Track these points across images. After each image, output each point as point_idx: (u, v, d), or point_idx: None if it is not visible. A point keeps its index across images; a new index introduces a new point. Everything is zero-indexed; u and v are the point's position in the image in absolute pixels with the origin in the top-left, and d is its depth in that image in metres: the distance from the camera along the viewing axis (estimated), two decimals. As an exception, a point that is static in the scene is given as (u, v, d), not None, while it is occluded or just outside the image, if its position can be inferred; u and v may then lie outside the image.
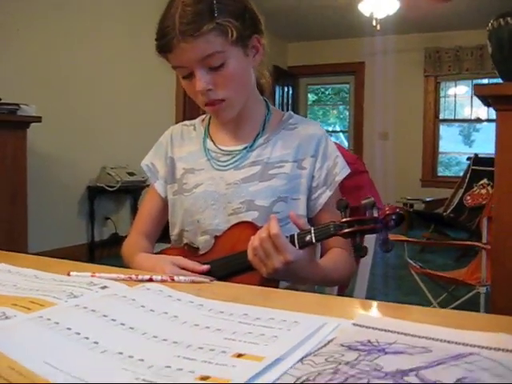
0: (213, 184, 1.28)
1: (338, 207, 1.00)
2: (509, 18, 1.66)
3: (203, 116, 1.45)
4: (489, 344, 0.56)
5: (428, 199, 6.88)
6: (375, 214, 0.96)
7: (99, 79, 5.10)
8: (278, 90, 8.35)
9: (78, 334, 0.61)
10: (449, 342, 0.58)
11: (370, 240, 1.35)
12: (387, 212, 0.95)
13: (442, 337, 0.59)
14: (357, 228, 0.98)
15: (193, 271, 1.09)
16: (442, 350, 0.56)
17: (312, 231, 1.03)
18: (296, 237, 1.05)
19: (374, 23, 5.90)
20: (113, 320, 0.66)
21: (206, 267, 1.10)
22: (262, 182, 1.25)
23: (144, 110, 5.62)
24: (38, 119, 3.57)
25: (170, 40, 1.14)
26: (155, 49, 1.20)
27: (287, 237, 1.04)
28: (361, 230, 0.98)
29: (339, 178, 1.29)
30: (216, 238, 1.21)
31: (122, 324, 0.65)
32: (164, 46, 1.17)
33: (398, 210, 0.96)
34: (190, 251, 1.26)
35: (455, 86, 8.08)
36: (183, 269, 1.09)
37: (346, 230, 0.99)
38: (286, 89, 8.71)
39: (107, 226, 5.32)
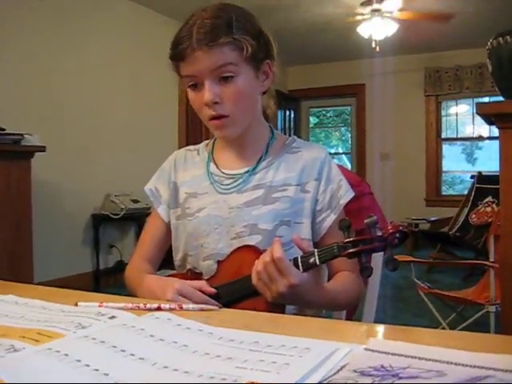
0: (216, 208, 1.28)
1: (340, 227, 1.00)
2: (508, 37, 1.67)
3: (207, 141, 1.45)
4: (504, 366, 0.55)
5: (433, 219, 6.85)
6: (379, 233, 0.96)
7: (102, 107, 5.15)
8: (279, 113, 8.39)
9: (88, 365, 0.60)
10: (463, 365, 0.58)
11: (377, 262, 1.35)
12: (391, 230, 0.95)
13: (456, 360, 0.59)
14: (361, 248, 0.97)
15: (201, 290, 1.07)
16: (457, 374, 0.55)
17: (315, 253, 1.02)
18: (300, 259, 1.04)
19: (374, 45, 5.95)
20: (122, 351, 0.65)
21: (214, 290, 1.09)
22: (266, 205, 1.24)
23: (147, 137, 5.64)
24: (42, 149, 3.58)
25: (185, 48, 1.16)
26: (168, 57, 1.22)
27: (291, 260, 1.03)
28: (365, 250, 0.98)
29: (343, 202, 1.28)
30: (219, 262, 1.20)
31: (132, 355, 0.64)
32: (178, 54, 1.18)
33: (401, 228, 0.95)
34: (194, 277, 1.26)
35: (456, 104, 8.11)
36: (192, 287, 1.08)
37: (351, 250, 0.98)
38: (287, 112, 8.76)
39: (112, 254, 5.31)
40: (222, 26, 1.15)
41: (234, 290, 1.10)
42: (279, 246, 1.02)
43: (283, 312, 1.08)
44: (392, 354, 0.62)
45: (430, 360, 0.60)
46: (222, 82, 1.18)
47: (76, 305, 0.91)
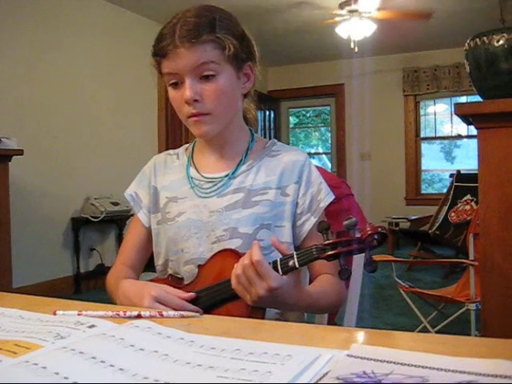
0: (196, 212, 1.26)
1: (319, 230, 1.00)
2: (485, 38, 1.69)
3: (187, 145, 1.44)
4: (487, 371, 0.55)
5: (413, 217, 6.90)
6: (357, 235, 0.96)
7: (81, 110, 5.10)
8: (259, 114, 8.30)
9: (67, 378, 0.59)
10: (446, 370, 0.57)
11: (358, 264, 1.35)
12: (369, 232, 0.95)
13: (439, 365, 0.58)
14: (340, 250, 0.97)
15: (178, 296, 1.06)
16: (440, 379, 0.55)
17: (295, 256, 1.02)
18: (279, 262, 1.03)
19: (352, 45, 5.97)
20: (102, 362, 0.64)
21: (191, 294, 1.08)
22: (246, 209, 1.24)
23: (126, 140, 5.61)
24: (20, 152, 3.54)
25: (167, 44, 1.16)
26: (151, 54, 1.22)
27: (270, 263, 1.03)
28: (344, 252, 0.97)
29: (324, 205, 1.28)
30: (199, 267, 1.19)
31: (112, 365, 0.63)
32: (160, 51, 1.19)
33: (379, 230, 0.95)
34: (175, 282, 1.25)
35: (434, 104, 8.19)
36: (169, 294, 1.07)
37: (329, 253, 0.98)
38: (267, 113, 8.76)
39: (93, 257, 5.27)
40: (205, 24, 1.16)
41: (214, 294, 1.10)
42: (258, 249, 1.01)
43: (263, 315, 1.07)
44: (374, 360, 0.62)
45: (412, 365, 0.59)
46: (202, 81, 1.18)
47: (54, 314, 0.90)
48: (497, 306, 1.64)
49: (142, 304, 1.04)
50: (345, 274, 0.97)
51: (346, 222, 0.95)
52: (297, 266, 1.01)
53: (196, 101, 1.18)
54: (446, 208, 5.95)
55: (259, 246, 1.02)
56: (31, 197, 4.47)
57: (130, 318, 0.87)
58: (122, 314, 0.89)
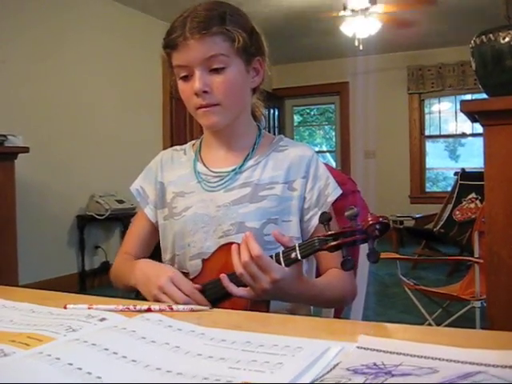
0: (203, 206, 1.27)
1: (320, 221, 1.00)
2: (491, 35, 1.69)
3: (193, 141, 1.45)
4: (496, 362, 0.56)
5: (418, 216, 6.90)
6: (359, 225, 0.96)
7: (86, 108, 5.11)
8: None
9: (80, 369, 0.60)
10: (455, 361, 0.58)
11: (365, 260, 1.35)
12: (370, 222, 0.95)
13: (448, 356, 0.59)
14: (342, 240, 0.97)
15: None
16: (450, 370, 0.56)
17: (297, 248, 1.01)
18: (281, 255, 1.03)
19: (357, 43, 5.96)
20: (114, 353, 0.64)
21: (198, 286, 1.08)
22: (253, 203, 1.24)
23: (131, 138, 5.61)
24: (26, 150, 3.55)
25: (177, 36, 1.18)
26: (162, 46, 1.24)
27: (272, 256, 1.03)
28: (346, 243, 0.97)
29: (331, 199, 1.28)
30: (204, 261, 1.19)
31: (124, 357, 0.63)
32: (171, 43, 1.20)
33: (381, 219, 0.95)
34: None
35: (439, 102, 8.17)
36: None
37: (332, 244, 0.98)
38: (271, 111, 8.75)
39: (98, 255, 5.28)
40: (215, 17, 1.18)
41: (218, 289, 1.09)
42: (255, 243, 1.01)
43: (268, 308, 1.08)
44: (384, 352, 0.62)
45: (422, 357, 0.60)
46: (212, 73, 1.19)
47: (65, 307, 0.91)
48: (503, 303, 1.64)
49: (158, 281, 1.06)
50: (348, 265, 0.97)
51: (347, 213, 0.95)
52: (299, 257, 1.01)
53: (205, 92, 1.19)
54: (450, 206, 5.95)
55: (253, 237, 1.02)
56: (37, 194, 4.49)
57: (140, 311, 0.88)
58: (132, 307, 0.89)
